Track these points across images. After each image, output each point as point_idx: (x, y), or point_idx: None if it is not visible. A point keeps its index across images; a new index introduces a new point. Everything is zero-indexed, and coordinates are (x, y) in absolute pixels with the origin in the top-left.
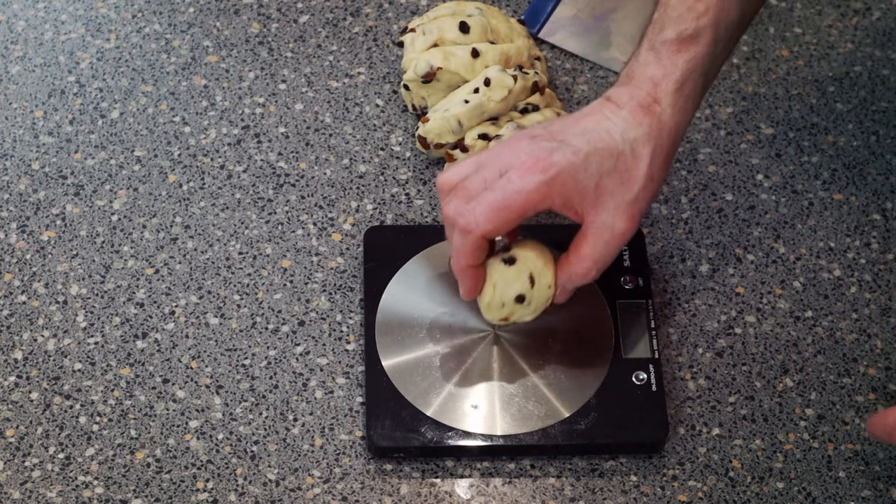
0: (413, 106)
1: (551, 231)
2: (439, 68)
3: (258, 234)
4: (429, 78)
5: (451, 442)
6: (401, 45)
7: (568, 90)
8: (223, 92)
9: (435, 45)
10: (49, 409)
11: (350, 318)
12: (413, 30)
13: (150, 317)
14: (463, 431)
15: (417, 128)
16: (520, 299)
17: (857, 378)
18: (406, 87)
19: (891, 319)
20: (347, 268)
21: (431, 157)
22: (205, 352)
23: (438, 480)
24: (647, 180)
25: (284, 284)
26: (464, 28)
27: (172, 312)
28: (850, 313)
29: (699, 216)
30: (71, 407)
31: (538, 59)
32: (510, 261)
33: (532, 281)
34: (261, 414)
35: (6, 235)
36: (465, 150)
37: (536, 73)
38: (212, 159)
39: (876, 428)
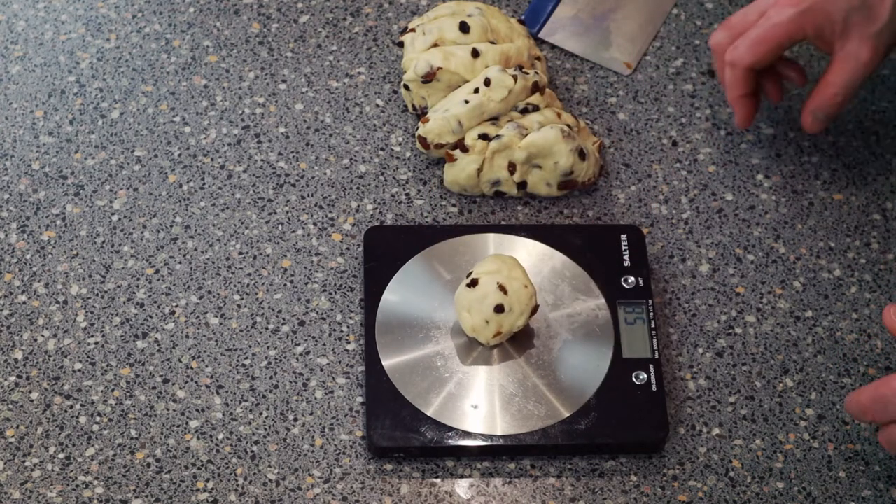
0: (413, 106)
1: (552, 230)
2: (439, 68)
3: (258, 234)
4: (429, 78)
5: (451, 442)
6: (401, 45)
7: (568, 90)
8: (223, 92)
9: (435, 45)
10: (49, 409)
11: (350, 318)
12: (413, 30)
13: (150, 317)
14: (463, 431)
15: (417, 128)
16: (499, 309)
17: (857, 378)
18: (406, 87)
19: None
20: (347, 268)
21: (431, 157)
22: (205, 352)
23: (438, 480)
24: (889, 19)
25: (284, 284)
26: (464, 28)
27: (172, 312)
28: (850, 313)
29: (699, 216)
30: (71, 407)
31: (538, 59)
32: (473, 283)
33: (503, 288)
34: (261, 414)
35: (6, 235)
36: (465, 150)
37: (536, 73)
38: (212, 159)
39: (851, 406)
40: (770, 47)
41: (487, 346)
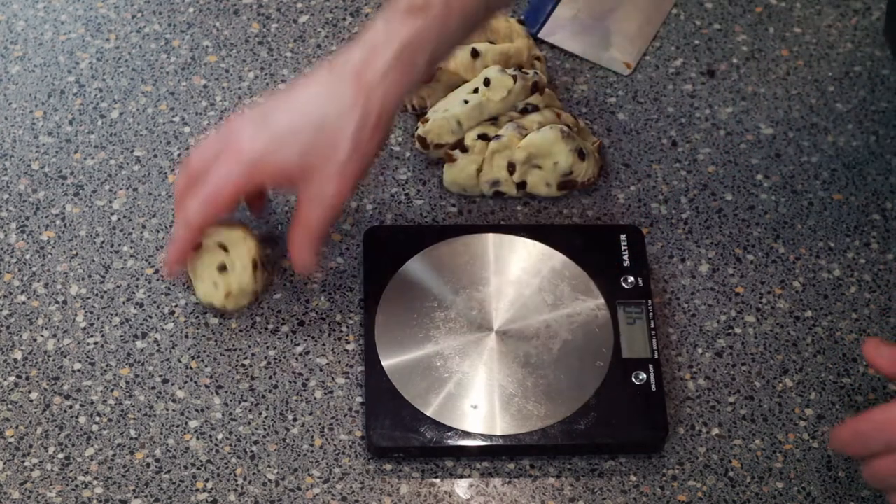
0: (413, 106)
1: (552, 230)
2: (439, 68)
3: (258, 234)
4: (428, 78)
5: (451, 442)
6: None
7: (568, 90)
8: (223, 92)
9: None
10: (49, 409)
11: (350, 318)
12: None
13: (150, 317)
14: (463, 431)
15: (417, 128)
16: (222, 268)
17: (856, 378)
18: None
19: (891, 319)
20: (347, 268)
21: (431, 158)
22: (204, 352)
23: (438, 480)
24: (352, 151)
25: (284, 284)
26: None
27: (172, 312)
28: (850, 313)
29: (699, 216)
30: (71, 407)
31: (538, 59)
32: (196, 248)
33: (223, 247)
34: (260, 414)
35: (6, 235)
36: (464, 150)
37: (536, 73)
38: None
39: (834, 444)
40: (224, 204)
41: (225, 313)
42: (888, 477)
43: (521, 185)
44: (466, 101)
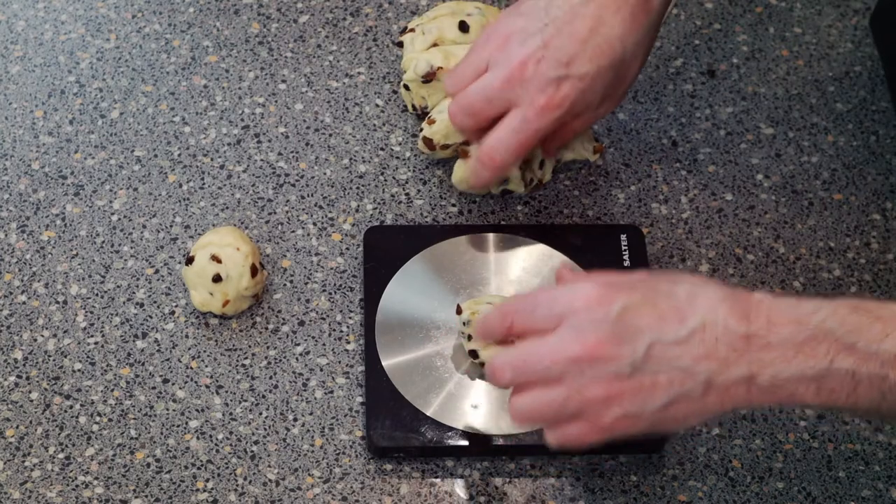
0: (413, 106)
1: (552, 230)
2: (439, 68)
3: (258, 234)
4: (429, 78)
5: (451, 442)
6: (400, 45)
7: None
8: (223, 92)
9: (434, 45)
10: (49, 409)
11: (350, 318)
12: (412, 30)
13: (150, 317)
14: (463, 431)
15: (421, 129)
16: (217, 279)
17: None
18: (406, 87)
19: None
20: (347, 268)
21: (433, 159)
22: (205, 352)
23: (438, 480)
24: (637, 74)
25: (284, 284)
26: (463, 28)
27: (172, 312)
28: None
29: (699, 216)
30: (71, 407)
31: None
32: (189, 261)
33: (216, 258)
34: (261, 414)
35: (6, 235)
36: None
37: None
38: (212, 159)
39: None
40: (532, 145)
41: (225, 316)
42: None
43: (529, 183)
44: None
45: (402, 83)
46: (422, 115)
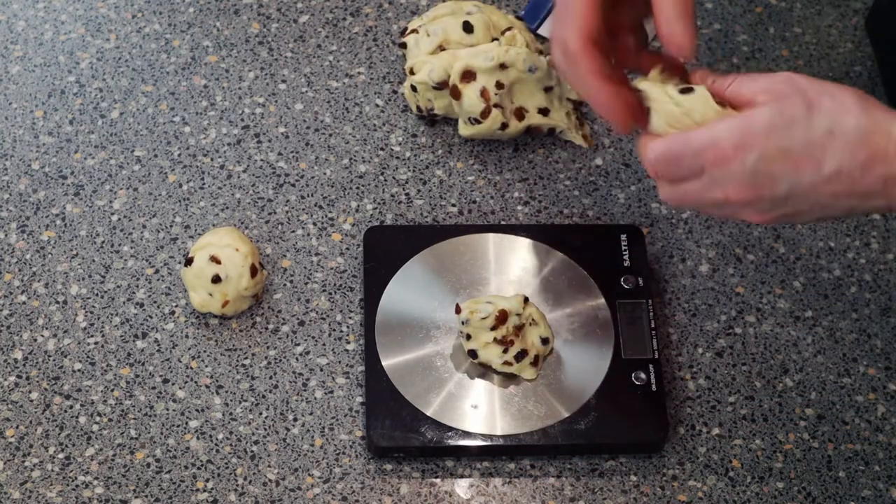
0: (418, 107)
1: (552, 230)
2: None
3: (258, 234)
4: (442, 86)
5: (451, 442)
6: (403, 45)
7: (568, 88)
8: (223, 92)
9: (440, 47)
10: (49, 409)
11: (350, 318)
12: (415, 30)
13: (150, 317)
14: (463, 431)
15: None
16: (216, 279)
17: (857, 378)
18: (413, 89)
19: (891, 319)
20: (347, 268)
21: (431, 158)
22: (205, 352)
23: (438, 480)
24: None
25: (284, 284)
26: (467, 28)
27: (172, 312)
28: (850, 313)
29: (699, 216)
30: (71, 407)
31: (540, 52)
32: (189, 262)
33: (215, 259)
34: (261, 414)
35: (6, 235)
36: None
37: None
38: (212, 159)
39: (649, 156)
40: (598, 8)
41: (225, 316)
42: (690, 201)
43: (521, 117)
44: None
45: (408, 84)
46: (426, 116)
